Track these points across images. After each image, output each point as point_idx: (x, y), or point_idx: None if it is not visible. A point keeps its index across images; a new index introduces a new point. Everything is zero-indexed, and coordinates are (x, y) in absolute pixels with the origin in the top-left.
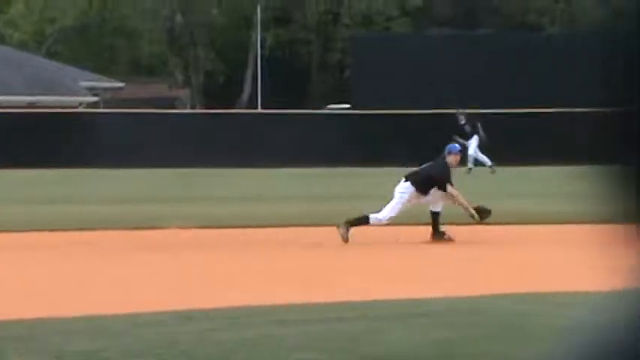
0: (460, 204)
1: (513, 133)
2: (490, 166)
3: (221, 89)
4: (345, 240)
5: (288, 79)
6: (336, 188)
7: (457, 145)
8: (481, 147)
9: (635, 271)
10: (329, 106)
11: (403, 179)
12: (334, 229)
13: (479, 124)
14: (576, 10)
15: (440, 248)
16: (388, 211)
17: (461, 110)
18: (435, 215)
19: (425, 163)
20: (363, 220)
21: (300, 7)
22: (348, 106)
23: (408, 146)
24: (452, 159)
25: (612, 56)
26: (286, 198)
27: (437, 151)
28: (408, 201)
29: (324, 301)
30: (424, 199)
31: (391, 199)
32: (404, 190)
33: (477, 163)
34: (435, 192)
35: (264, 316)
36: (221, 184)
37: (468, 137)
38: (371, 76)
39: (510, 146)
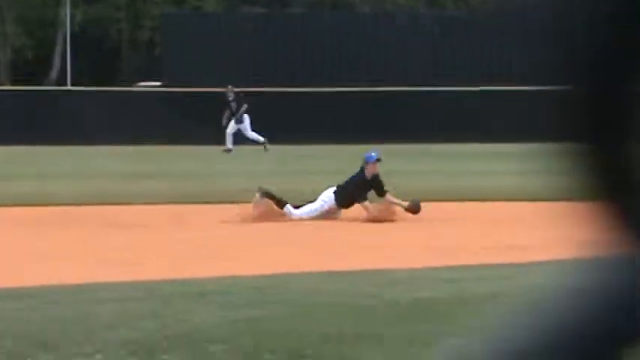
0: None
1: (319, 110)
2: (263, 144)
3: (30, 66)
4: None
5: (98, 57)
6: (146, 166)
7: (373, 154)
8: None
9: (592, 244)
10: (139, 84)
11: (333, 188)
12: (143, 207)
13: (245, 105)
14: None
15: (266, 228)
16: (304, 213)
17: (230, 87)
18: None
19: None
20: (279, 203)
21: None
22: (158, 83)
23: (219, 124)
24: (368, 169)
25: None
26: (91, 175)
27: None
28: (327, 211)
29: (136, 280)
30: (340, 213)
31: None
32: (327, 199)
33: (249, 141)
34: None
35: (76, 295)
36: (25, 162)
37: (234, 115)
38: (181, 53)
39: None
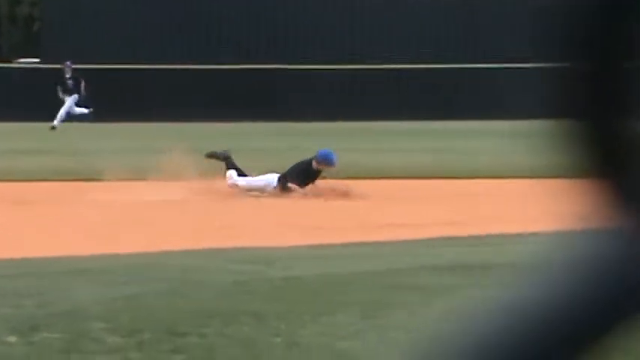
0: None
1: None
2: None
3: None
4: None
5: None
6: (26, 144)
7: (333, 157)
8: (79, 104)
9: (590, 217)
10: (19, 60)
11: (276, 174)
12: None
13: (82, 82)
14: None
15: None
16: (244, 182)
17: (68, 63)
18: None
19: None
20: (230, 164)
21: None
22: (37, 60)
23: (101, 100)
24: (320, 166)
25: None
26: None
27: (118, 105)
28: (262, 188)
29: (15, 257)
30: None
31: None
32: (268, 180)
33: (73, 118)
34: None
35: None
36: None
37: (71, 93)
38: (60, 30)
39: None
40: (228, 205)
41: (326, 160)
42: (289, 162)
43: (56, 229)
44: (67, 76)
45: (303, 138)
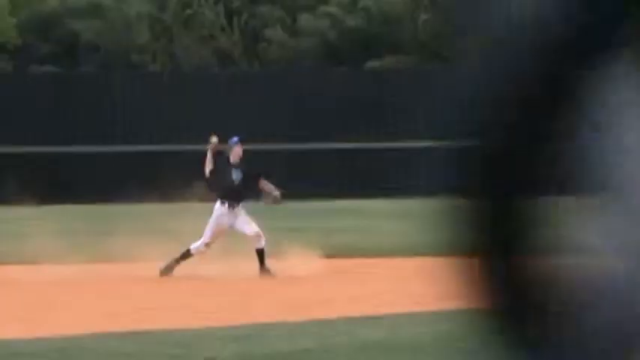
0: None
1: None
2: None
3: None
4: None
5: None
6: None
7: (234, 138)
8: None
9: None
10: None
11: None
12: None
13: None
14: (177, 49)
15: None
16: (205, 238)
17: None
18: (260, 252)
19: None
20: (186, 254)
21: None
22: None
23: (21, 183)
24: (234, 153)
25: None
26: None
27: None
28: (219, 223)
29: None
30: (238, 222)
31: None
32: (216, 211)
33: None
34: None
35: None
36: None
37: None
38: None
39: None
40: (143, 287)
41: (229, 143)
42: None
43: None
44: None
45: None
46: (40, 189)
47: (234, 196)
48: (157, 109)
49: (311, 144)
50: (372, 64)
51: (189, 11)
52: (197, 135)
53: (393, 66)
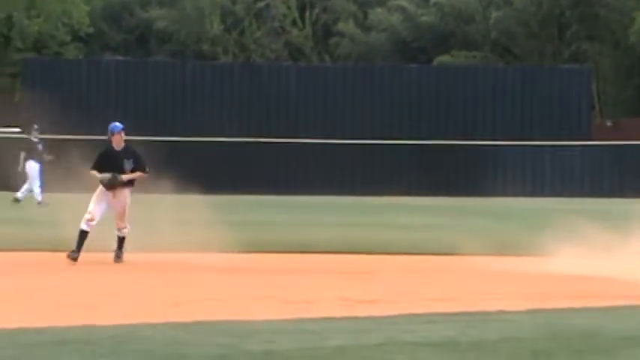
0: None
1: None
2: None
3: None
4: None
5: None
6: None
7: (117, 124)
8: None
9: None
10: None
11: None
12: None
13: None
14: (249, 41)
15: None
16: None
17: (36, 127)
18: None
19: None
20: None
21: None
22: (18, 129)
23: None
24: (115, 140)
25: None
26: None
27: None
28: (102, 200)
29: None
30: (115, 200)
31: None
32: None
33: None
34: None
35: None
36: None
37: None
38: (42, 99)
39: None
40: (206, 277)
41: (112, 129)
42: None
43: (37, 299)
44: (36, 140)
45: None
46: None
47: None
48: (228, 100)
49: (377, 140)
50: (442, 59)
51: (261, 4)
52: (268, 127)
53: (463, 62)
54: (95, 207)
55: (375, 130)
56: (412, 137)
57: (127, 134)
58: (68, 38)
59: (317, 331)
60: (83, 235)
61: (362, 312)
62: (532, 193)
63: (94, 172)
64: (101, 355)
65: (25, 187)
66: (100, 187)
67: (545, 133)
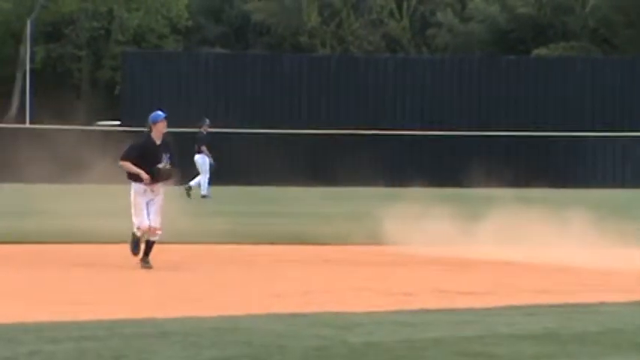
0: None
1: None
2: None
3: None
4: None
5: (58, 95)
6: (105, 204)
7: (159, 112)
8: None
9: None
10: (98, 123)
11: None
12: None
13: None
14: (347, 33)
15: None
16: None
17: (208, 122)
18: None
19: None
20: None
21: (71, 22)
22: (118, 122)
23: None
24: (158, 128)
25: None
26: (57, 214)
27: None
28: (142, 204)
29: (96, 319)
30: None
31: None
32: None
33: None
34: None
35: (35, 333)
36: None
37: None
38: (141, 92)
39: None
40: (305, 271)
41: (153, 119)
42: None
43: (140, 290)
44: (204, 134)
45: None
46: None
47: None
48: (325, 92)
49: (474, 132)
50: (540, 51)
51: None
52: (365, 119)
53: (562, 54)
54: (140, 218)
55: (472, 121)
56: (509, 129)
57: (223, 127)
58: (167, 31)
59: (416, 322)
60: (138, 241)
61: (460, 304)
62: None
63: (129, 165)
64: (202, 347)
65: (199, 179)
66: (135, 193)
67: None
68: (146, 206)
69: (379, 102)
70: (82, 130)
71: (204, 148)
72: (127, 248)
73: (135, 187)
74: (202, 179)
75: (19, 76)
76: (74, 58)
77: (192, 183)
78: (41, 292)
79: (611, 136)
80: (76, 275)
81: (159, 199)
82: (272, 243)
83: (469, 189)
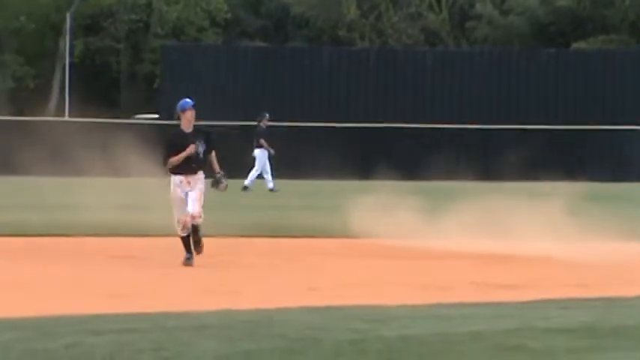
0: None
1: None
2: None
3: (30, 96)
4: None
5: (97, 88)
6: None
7: (187, 100)
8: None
9: None
10: (137, 116)
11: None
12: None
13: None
14: (386, 26)
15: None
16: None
17: (267, 115)
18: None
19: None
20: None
21: (110, 15)
22: (156, 115)
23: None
24: (186, 117)
25: None
26: (96, 207)
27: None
28: (180, 199)
29: (135, 312)
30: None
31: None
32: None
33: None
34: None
35: (75, 325)
36: (27, 192)
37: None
38: (180, 85)
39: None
40: (339, 263)
41: (182, 106)
42: None
43: (177, 283)
44: (264, 127)
45: None
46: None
47: None
48: (364, 86)
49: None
50: (579, 45)
51: None
52: (403, 113)
53: (601, 47)
54: (178, 211)
55: (510, 115)
56: (548, 122)
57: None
58: (206, 24)
59: (451, 316)
60: (186, 239)
61: (496, 297)
62: None
63: (172, 161)
64: (237, 339)
65: (262, 174)
66: (173, 186)
67: None
68: (186, 197)
69: (419, 95)
70: (120, 124)
71: (263, 141)
72: (164, 241)
73: (172, 179)
74: (253, 172)
75: (58, 69)
76: (113, 51)
77: (246, 182)
78: (80, 285)
79: None
80: (114, 268)
81: (199, 187)
82: (311, 236)
83: (508, 182)
